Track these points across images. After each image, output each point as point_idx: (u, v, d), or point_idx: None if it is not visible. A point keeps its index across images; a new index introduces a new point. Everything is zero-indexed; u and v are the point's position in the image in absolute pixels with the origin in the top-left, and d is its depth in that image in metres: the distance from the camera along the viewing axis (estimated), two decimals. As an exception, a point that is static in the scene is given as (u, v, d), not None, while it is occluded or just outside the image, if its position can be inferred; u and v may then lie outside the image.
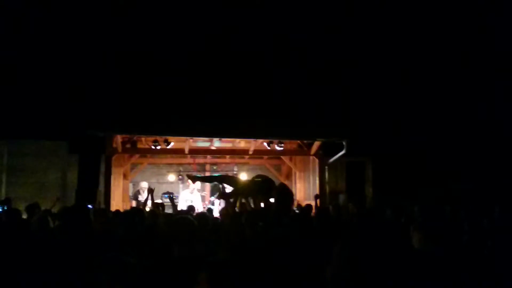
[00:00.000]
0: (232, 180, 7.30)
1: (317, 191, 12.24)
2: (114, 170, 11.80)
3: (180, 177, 14.82)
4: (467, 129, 13.01)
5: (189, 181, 13.58)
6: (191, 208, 8.63)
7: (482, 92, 13.41)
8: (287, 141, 12.74)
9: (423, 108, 13.22)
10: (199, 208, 11.28)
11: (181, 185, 14.65)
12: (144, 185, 12.77)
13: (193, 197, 12.37)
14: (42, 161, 12.00)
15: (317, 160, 12.52)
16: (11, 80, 11.81)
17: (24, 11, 11.95)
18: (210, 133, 11.70)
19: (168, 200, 12.90)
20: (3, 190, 11.64)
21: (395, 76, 13.29)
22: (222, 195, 7.90)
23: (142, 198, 12.44)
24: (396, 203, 7.58)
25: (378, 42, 13.28)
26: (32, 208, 7.14)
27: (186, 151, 12.51)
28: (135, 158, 13.88)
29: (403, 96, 13.16)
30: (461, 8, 12.64)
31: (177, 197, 13.03)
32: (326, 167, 12.37)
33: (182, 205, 11.08)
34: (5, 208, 7.65)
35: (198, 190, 13.21)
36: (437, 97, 13.38)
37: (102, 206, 10.28)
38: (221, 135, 11.88)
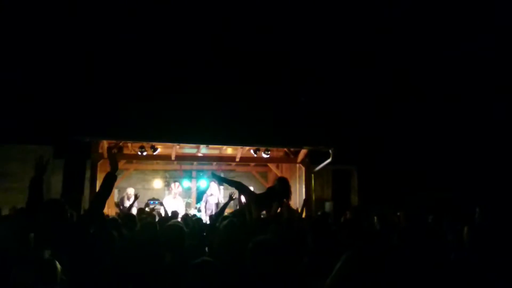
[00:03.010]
0: (248, 191, 7.10)
1: (303, 199, 12.29)
2: (99, 176, 11.68)
3: (166, 182, 14.79)
4: (454, 138, 13.19)
5: (172, 186, 13.60)
6: (175, 214, 8.62)
7: (468, 101, 13.62)
8: (274, 148, 12.77)
9: (409, 117, 13.38)
10: (182, 213, 11.29)
11: (166, 191, 14.60)
12: (130, 191, 12.69)
13: (175, 202, 12.35)
14: (26, 166, 11.80)
15: (303, 168, 12.57)
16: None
17: (13, 15, 11.86)
18: (197, 140, 11.67)
19: (153, 206, 12.92)
20: (-14, 195, 11.46)
21: (382, 86, 13.44)
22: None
23: (127, 204, 12.35)
24: (380, 212, 7.64)
25: (365, 53, 13.43)
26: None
27: (173, 157, 12.46)
28: (121, 164, 13.75)
29: (389, 106, 13.32)
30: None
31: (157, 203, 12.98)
32: (313, 175, 12.42)
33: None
34: None
35: (184, 197, 13.20)
36: (423, 107, 13.56)
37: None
38: (208, 141, 11.86)
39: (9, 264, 2.62)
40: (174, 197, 12.73)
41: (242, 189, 6.86)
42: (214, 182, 12.71)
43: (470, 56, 13.49)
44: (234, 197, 7.68)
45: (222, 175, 15.20)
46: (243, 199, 7.44)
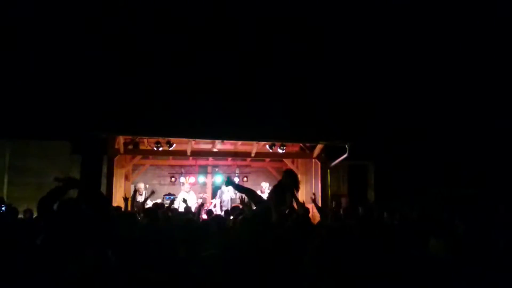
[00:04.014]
0: (257, 199, 6.99)
1: (319, 194, 12.23)
2: (116, 171, 11.78)
3: (173, 178, 14.85)
4: (471, 133, 12.99)
5: (182, 181, 13.69)
6: (188, 209, 8.65)
7: (483, 95, 13.40)
8: (289, 144, 12.72)
9: (425, 112, 13.22)
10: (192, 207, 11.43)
11: (182, 187, 14.66)
12: (141, 186, 12.73)
13: (188, 196, 12.39)
14: (44, 162, 12.01)
15: (319, 163, 12.49)
16: (15, 80, 11.84)
17: (27, 13, 11.98)
18: (213, 135, 11.69)
19: (168, 202, 12.99)
20: (5, 190, 11.66)
21: (397, 80, 13.29)
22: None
23: (140, 199, 12.42)
24: (392, 207, 7.57)
25: (379, 47, 13.29)
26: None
27: (188, 152, 12.49)
28: (137, 159, 13.85)
29: (406, 101, 13.17)
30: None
31: (175, 198, 13.05)
32: (328, 170, 12.34)
33: (181, 206, 11.17)
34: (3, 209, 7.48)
35: (200, 193, 13.24)
36: (439, 102, 13.38)
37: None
38: (223, 137, 11.87)
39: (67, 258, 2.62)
40: (187, 191, 12.80)
41: (252, 196, 6.76)
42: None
43: (491, 51, 13.27)
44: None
45: (237, 171, 15.29)
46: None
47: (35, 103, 11.60)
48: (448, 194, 12.17)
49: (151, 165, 15.04)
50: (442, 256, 3.01)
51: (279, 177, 15.24)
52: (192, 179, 14.46)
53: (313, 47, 13.23)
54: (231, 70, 12.14)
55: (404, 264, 2.39)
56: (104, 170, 11.36)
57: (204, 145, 13.21)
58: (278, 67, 12.65)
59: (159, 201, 12.29)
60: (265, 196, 12.55)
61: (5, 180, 11.87)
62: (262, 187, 13.00)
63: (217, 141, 12.60)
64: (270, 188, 13.17)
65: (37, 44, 12.07)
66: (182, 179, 14.37)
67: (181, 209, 10.75)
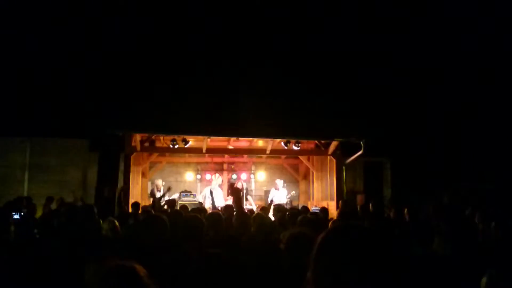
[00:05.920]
0: None
1: (334, 191, 12.20)
2: (133, 169, 11.94)
3: (198, 175, 14.96)
4: (490, 128, 12.79)
5: (212, 178, 13.79)
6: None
7: (502, 89, 13.19)
8: (305, 140, 12.71)
9: (442, 107, 13.05)
10: (221, 203, 11.52)
11: (199, 184, 14.75)
12: (159, 182, 12.84)
13: (216, 193, 12.44)
14: (63, 159, 12.23)
15: (334, 160, 12.45)
16: (33, 79, 12.04)
17: (45, 10, 12.17)
18: (228, 132, 11.75)
19: (185, 198, 13.09)
20: (25, 188, 11.90)
21: (413, 75, 13.14)
22: None
23: (159, 195, 12.54)
24: (410, 204, 7.49)
25: (396, 41, 13.16)
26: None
27: (204, 150, 12.57)
28: (154, 156, 14.01)
29: (422, 95, 13.02)
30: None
31: (195, 195, 13.15)
32: (344, 167, 12.29)
33: (208, 202, 11.34)
34: (22, 214, 7.25)
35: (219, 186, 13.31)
36: (457, 95, 13.20)
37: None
38: (238, 134, 11.92)
39: None
40: (214, 188, 12.85)
41: None
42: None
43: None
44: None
45: (253, 168, 15.33)
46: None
47: (53, 102, 11.79)
48: (466, 190, 12.01)
49: (167, 163, 15.18)
50: (444, 254, 3.00)
51: (295, 174, 15.34)
52: (220, 179, 14.37)
53: (322, 43, 13.16)
54: (246, 68, 12.14)
55: (406, 263, 2.39)
56: (121, 167, 11.50)
57: (219, 142, 13.29)
58: (291, 64, 12.62)
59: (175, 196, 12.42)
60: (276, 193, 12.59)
61: (26, 177, 12.11)
62: (276, 184, 12.98)
63: (232, 138, 12.66)
64: (284, 185, 13.14)
65: (53, 42, 12.25)
66: (208, 177, 14.41)
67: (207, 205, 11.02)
